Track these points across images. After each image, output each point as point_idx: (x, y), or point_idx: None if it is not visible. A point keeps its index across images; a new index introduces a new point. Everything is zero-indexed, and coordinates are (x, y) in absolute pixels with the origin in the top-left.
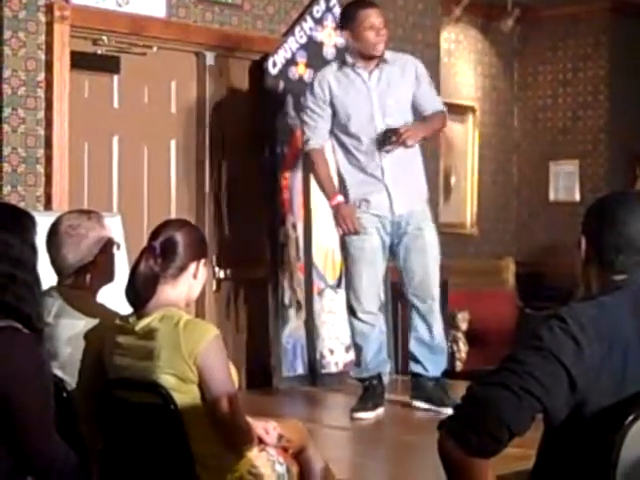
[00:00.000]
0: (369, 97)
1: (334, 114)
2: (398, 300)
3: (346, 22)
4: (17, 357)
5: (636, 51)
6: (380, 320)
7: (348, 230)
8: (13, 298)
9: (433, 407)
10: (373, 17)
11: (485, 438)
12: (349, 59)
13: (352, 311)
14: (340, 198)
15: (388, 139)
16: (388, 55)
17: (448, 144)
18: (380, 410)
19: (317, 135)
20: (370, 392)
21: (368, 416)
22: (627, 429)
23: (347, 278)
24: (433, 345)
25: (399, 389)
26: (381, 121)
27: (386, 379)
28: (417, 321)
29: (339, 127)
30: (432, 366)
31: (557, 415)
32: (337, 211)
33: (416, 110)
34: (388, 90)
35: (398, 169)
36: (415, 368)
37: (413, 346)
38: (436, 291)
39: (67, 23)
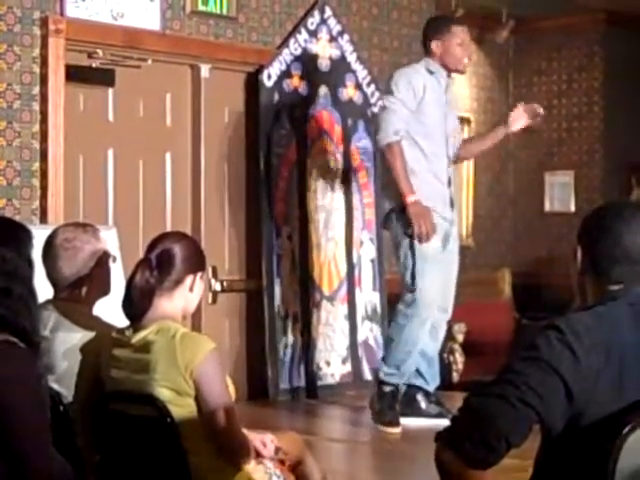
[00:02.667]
0: (445, 106)
1: (420, 114)
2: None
3: (438, 34)
4: (12, 371)
5: (630, 62)
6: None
7: (424, 231)
8: (9, 312)
9: (429, 421)
10: (464, 34)
11: (482, 449)
12: (434, 66)
13: (419, 316)
14: (418, 196)
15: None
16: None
17: None
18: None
19: (402, 127)
20: (395, 401)
21: (398, 431)
22: (624, 439)
23: (420, 280)
24: (433, 358)
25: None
26: (451, 131)
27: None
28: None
29: (418, 128)
30: (432, 380)
31: (554, 426)
32: (414, 209)
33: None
34: (449, 102)
35: (451, 177)
36: (416, 381)
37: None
38: (451, 307)
39: (62, 36)
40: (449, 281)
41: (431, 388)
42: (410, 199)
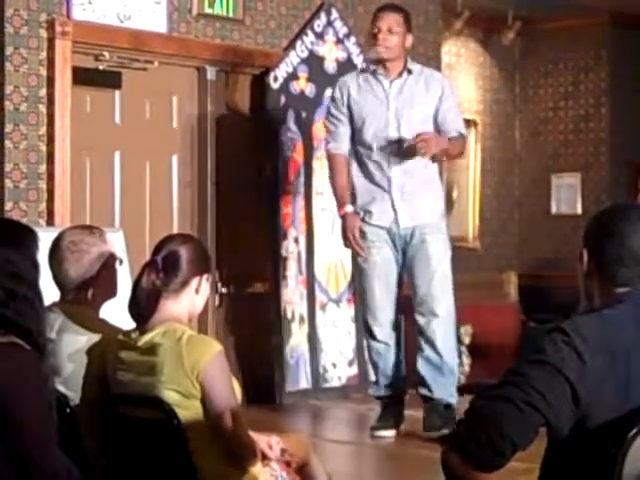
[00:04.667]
0: (386, 105)
1: (351, 120)
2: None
3: None
4: (16, 373)
5: (636, 63)
6: (394, 336)
7: (350, 243)
8: (14, 314)
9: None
10: (379, 20)
11: (488, 452)
12: (372, 66)
13: (368, 329)
14: (348, 208)
15: (403, 146)
16: (415, 67)
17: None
18: (401, 428)
19: (336, 140)
20: (390, 409)
21: (389, 434)
22: (631, 442)
23: (360, 294)
24: (442, 366)
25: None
26: (395, 132)
27: (406, 396)
28: (421, 340)
29: (354, 135)
30: (439, 388)
31: (560, 428)
32: (342, 224)
33: (438, 129)
34: (409, 102)
35: (408, 181)
36: (421, 390)
37: (420, 366)
38: (440, 308)
39: (68, 39)
40: (428, 284)
41: (435, 396)
42: (341, 212)
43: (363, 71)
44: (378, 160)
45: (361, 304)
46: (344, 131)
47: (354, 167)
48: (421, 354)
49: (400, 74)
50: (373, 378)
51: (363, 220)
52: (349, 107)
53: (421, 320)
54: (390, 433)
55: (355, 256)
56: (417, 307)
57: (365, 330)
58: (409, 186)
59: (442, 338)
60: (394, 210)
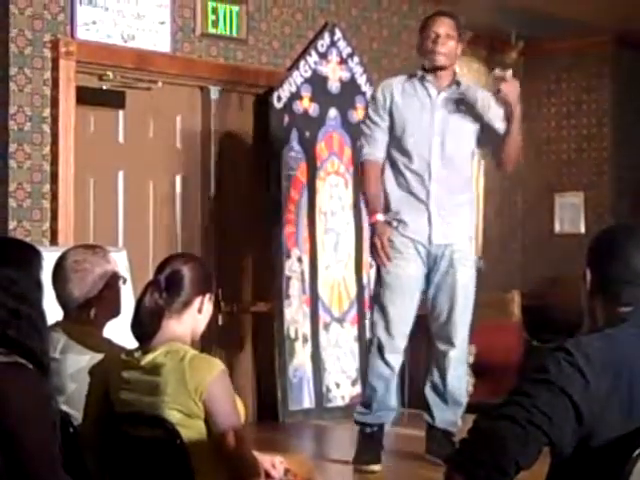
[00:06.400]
0: (432, 114)
1: (391, 126)
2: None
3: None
4: (20, 393)
5: (639, 82)
6: (401, 362)
7: (376, 250)
8: (17, 334)
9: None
10: (435, 25)
11: (492, 472)
12: (419, 72)
13: (379, 348)
14: (379, 217)
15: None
16: (465, 82)
17: None
18: (381, 458)
19: (372, 145)
20: (373, 441)
21: (377, 468)
22: (635, 461)
23: (378, 308)
24: (446, 396)
25: (407, 422)
26: (438, 143)
27: (387, 427)
28: (433, 364)
29: (393, 141)
30: (440, 416)
31: (564, 448)
32: (373, 230)
33: (485, 140)
34: (454, 114)
35: (446, 197)
36: (425, 415)
37: (427, 391)
38: (459, 338)
39: (73, 59)
40: (451, 312)
41: (436, 424)
42: (372, 220)
43: (411, 76)
44: (418, 170)
45: (377, 320)
46: (381, 137)
47: (389, 175)
48: (430, 379)
49: (449, 85)
50: (363, 400)
51: (395, 229)
52: (390, 112)
53: (441, 347)
54: (377, 467)
55: (381, 268)
56: (437, 332)
57: (376, 349)
58: (448, 202)
59: (453, 371)
60: (430, 225)
